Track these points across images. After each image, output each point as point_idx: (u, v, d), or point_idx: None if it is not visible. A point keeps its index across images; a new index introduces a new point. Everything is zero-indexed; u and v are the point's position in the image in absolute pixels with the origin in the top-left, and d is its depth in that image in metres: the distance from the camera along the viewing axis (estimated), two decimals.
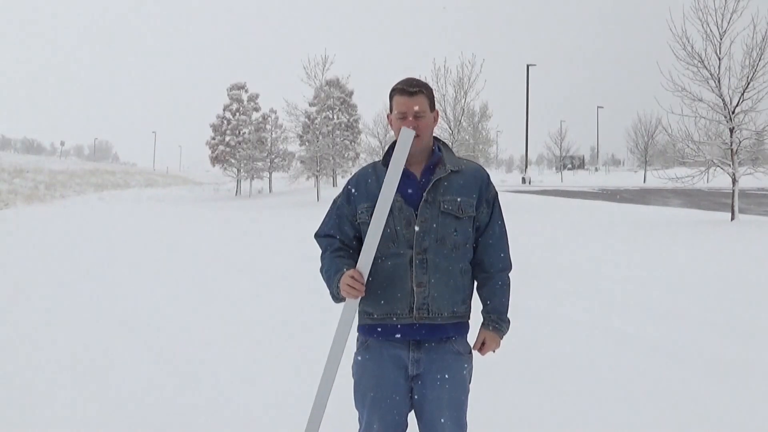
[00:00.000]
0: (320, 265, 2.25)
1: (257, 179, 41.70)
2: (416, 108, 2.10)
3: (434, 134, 2.28)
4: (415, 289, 2.07)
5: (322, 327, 5.88)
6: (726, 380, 4.28)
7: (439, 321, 2.10)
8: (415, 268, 2.07)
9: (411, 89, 2.12)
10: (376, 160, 2.32)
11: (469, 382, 2.23)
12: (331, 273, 2.15)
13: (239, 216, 22.74)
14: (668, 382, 4.25)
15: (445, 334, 2.12)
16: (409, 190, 2.12)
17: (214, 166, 43.54)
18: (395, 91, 2.15)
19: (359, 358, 2.22)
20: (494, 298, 2.15)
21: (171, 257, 11.47)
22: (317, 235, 2.30)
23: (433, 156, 2.19)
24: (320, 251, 2.28)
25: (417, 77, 2.24)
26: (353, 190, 2.22)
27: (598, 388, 4.16)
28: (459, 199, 2.11)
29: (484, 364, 2.39)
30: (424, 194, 2.09)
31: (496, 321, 2.16)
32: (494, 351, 2.22)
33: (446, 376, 2.11)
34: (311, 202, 27.76)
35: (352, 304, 2.12)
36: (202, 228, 17.89)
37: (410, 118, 2.11)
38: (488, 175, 2.23)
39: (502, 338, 2.21)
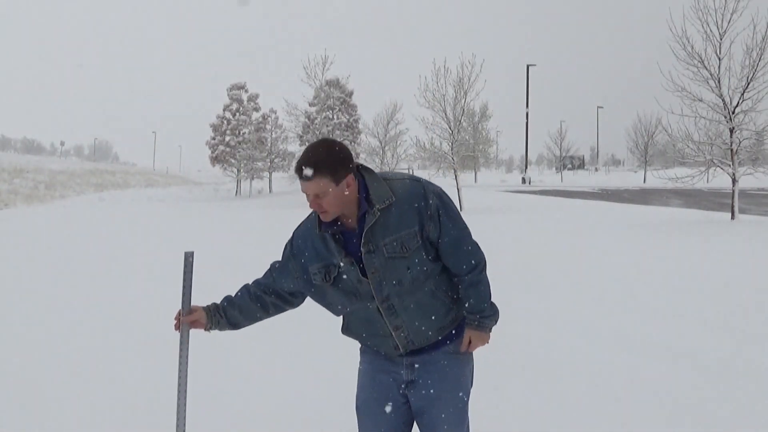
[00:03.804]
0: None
1: (257, 179, 41.69)
2: (313, 192, 1.98)
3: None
4: (393, 333, 2.11)
5: (319, 326, 5.88)
6: (725, 380, 4.29)
7: (428, 344, 2.15)
8: (385, 316, 2.09)
9: (304, 175, 1.96)
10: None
11: (471, 383, 2.25)
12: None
13: (239, 216, 22.72)
14: (668, 382, 4.26)
15: (438, 346, 2.17)
16: (353, 248, 2.07)
17: (214, 166, 43.52)
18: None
19: (359, 364, 2.31)
20: (470, 298, 2.15)
21: (171, 257, 11.45)
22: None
23: (362, 202, 2.04)
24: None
25: (319, 147, 1.99)
26: (302, 248, 2.17)
27: (597, 388, 4.16)
28: (400, 237, 2.02)
29: (483, 364, 2.41)
30: (362, 248, 2.03)
31: (478, 319, 2.17)
32: (487, 342, 2.23)
33: (443, 373, 2.14)
34: None
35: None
36: (203, 228, 17.89)
37: (312, 199, 2.00)
38: (423, 188, 2.06)
39: (489, 331, 2.21)
